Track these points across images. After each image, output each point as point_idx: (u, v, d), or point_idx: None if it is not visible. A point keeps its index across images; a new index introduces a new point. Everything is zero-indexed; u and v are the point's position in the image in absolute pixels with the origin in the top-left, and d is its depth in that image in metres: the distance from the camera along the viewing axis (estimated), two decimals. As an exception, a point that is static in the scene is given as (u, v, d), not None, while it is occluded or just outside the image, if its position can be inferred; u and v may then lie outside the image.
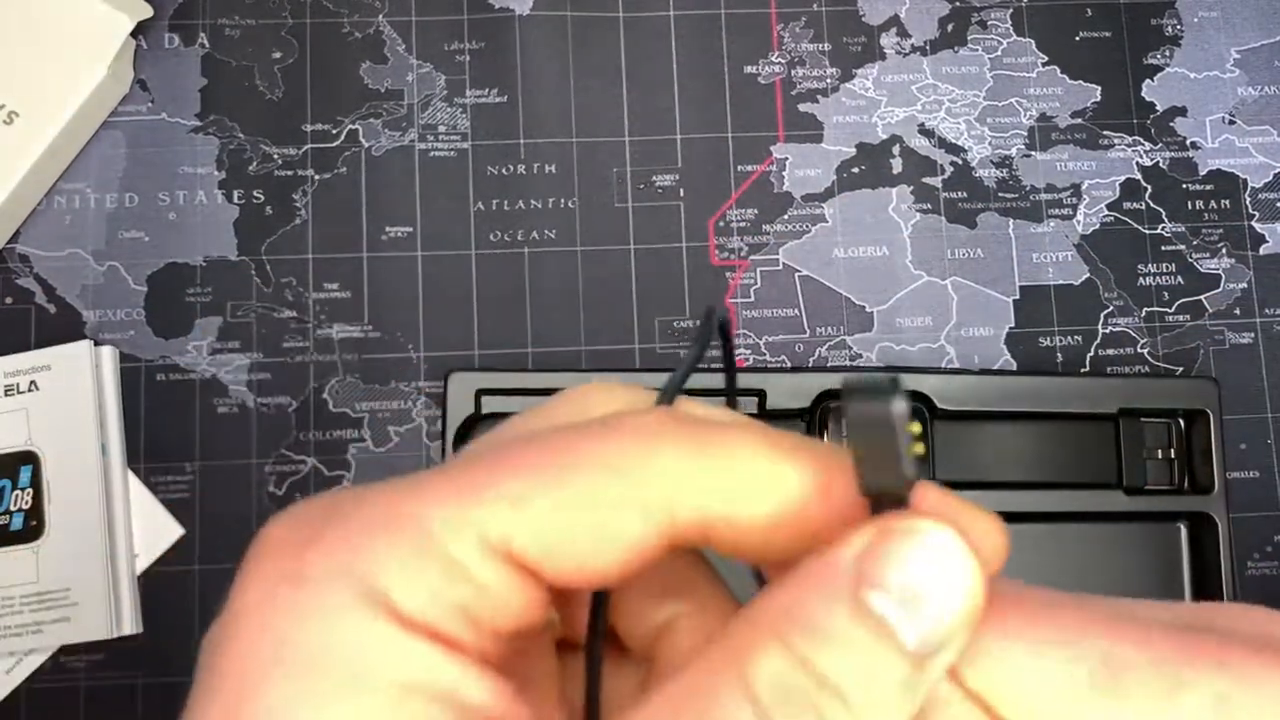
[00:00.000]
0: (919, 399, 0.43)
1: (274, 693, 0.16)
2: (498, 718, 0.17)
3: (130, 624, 0.41)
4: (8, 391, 0.42)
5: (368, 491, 0.18)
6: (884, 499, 0.16)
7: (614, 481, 0.17)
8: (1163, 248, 0.46)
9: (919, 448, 0.16)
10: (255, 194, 0.45)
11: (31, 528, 0.41)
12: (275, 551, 0.17)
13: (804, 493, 0.17)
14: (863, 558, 0.16)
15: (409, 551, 0.17)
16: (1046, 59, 0.47)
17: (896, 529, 0.16)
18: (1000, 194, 0.46)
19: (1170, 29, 0.48)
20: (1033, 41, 0.47)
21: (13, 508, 0.41)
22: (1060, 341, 0.45)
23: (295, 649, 0.16)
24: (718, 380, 0.43)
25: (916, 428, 0.16)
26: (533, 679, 0.19)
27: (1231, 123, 0.47)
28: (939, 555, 0.16)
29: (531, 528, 0.17)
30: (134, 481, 0.43)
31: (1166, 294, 0.46)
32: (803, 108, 0.46)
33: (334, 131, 0.45)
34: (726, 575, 0.20)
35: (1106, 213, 0.46)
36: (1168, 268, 0.46)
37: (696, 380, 0.43)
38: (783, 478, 0.17)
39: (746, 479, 0.17)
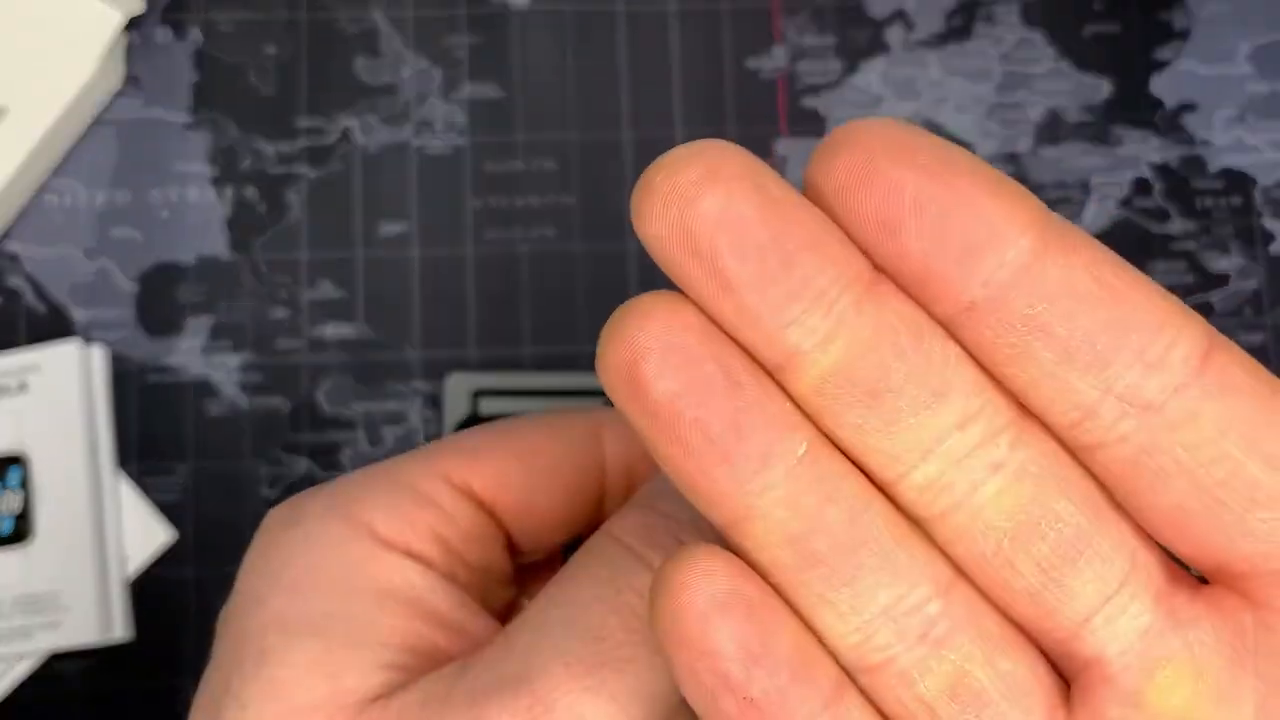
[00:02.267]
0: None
1: (273, 603, 0.19)
2: (460, 625, 0.19)
3: (121, 628, 0.41)
4: (-4, 392, 0.42)
5: (351, 472, 0.22)
6: None
7: (552, 433, 0.21)
8: (1172, 246, 0.45)
9: None
10: (248, 191, 0.44)
11: (20, 531, 0.41)
12: (273, 518, 0.21)
13: None
14: None
15: (386, 492, 0.20)
16: (1055, 53, 0.46)
17: None
18: (1007, 191, 0.46)
19: (1180, 23, 0.47)
20: (1041, 35, 0.47)
21: (1, 510, 0.41)
22: (1069, 341, 0.45)
23: (290, 570, 0.19)
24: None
25: None
26: (498, 616, 0.22)
27: (1242, 119, 0.46)
28: None
29: (487, 472, 0.21)
30: (125, 484, 0.42)
31: (1176, 292, 0.45)
32: (806, 103, 0.46)
33: (328, 127, 0.45)
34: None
35: (1116, 210, 0.46)
36: (1177, 266, 0.45)
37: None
38: None
39: None
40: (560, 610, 0.18)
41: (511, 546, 0.22)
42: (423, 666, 0.19)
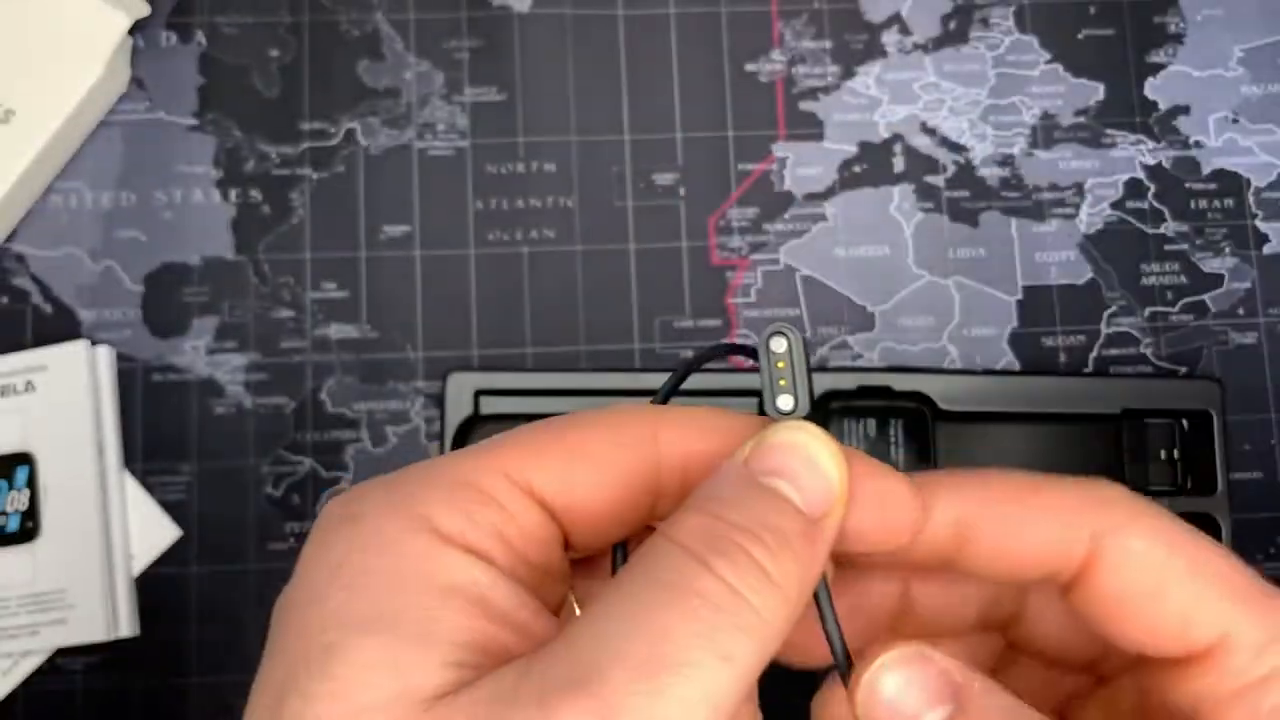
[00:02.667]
0: (921, 400, 0.43)
1: (334, 599, 0.19)
2: (522, 623, 0.19)
3: (127, 626, 0.41)
4: (3, 392, 0.42)
5: (405, 467, 0.21)
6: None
7: (609, 432, 0.21)
8: (1166, 247, 0.46)
9: (784, 381, 0.22)
10: (252, 193, 0.44)
11: (27, 529, 0.41)
12: (332, 510, 0.21)
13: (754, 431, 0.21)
14: (750, 455, 0.20)
15: (446, 487, 0.20)
16: (1049, 57, 0.47)
17: (770, 433, 0.21)
18: (1003, 193, 0.46)
19: (1173, 27, 0.47)
20: (1035, 39, 0.47)
21: (8, 509, 0.41)
22: (1063, 341, 0.45)
23: (350, 568, 0.19)
24: (719, 380, 0.43)
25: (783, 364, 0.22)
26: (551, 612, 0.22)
27: (1235, 121, 0.47)
28: (801, 446, 0.20)
29: (546, 470, 0.21)
30: (130, 482, 0.42)
31: (1170, 294, 0.45)
32: (804, 106, 0.46)
33: (331, 130, 0.45)
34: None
35: (1110, 212, 0.46)
36: (1171, 267, 0.46)
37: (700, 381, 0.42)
38: (741, 425, 0.22)
39: (712, 422, 0.22)
40: (623, 611, 0.18)
41: (565, 544, 0.22)
42: (488, 664, 0.19)
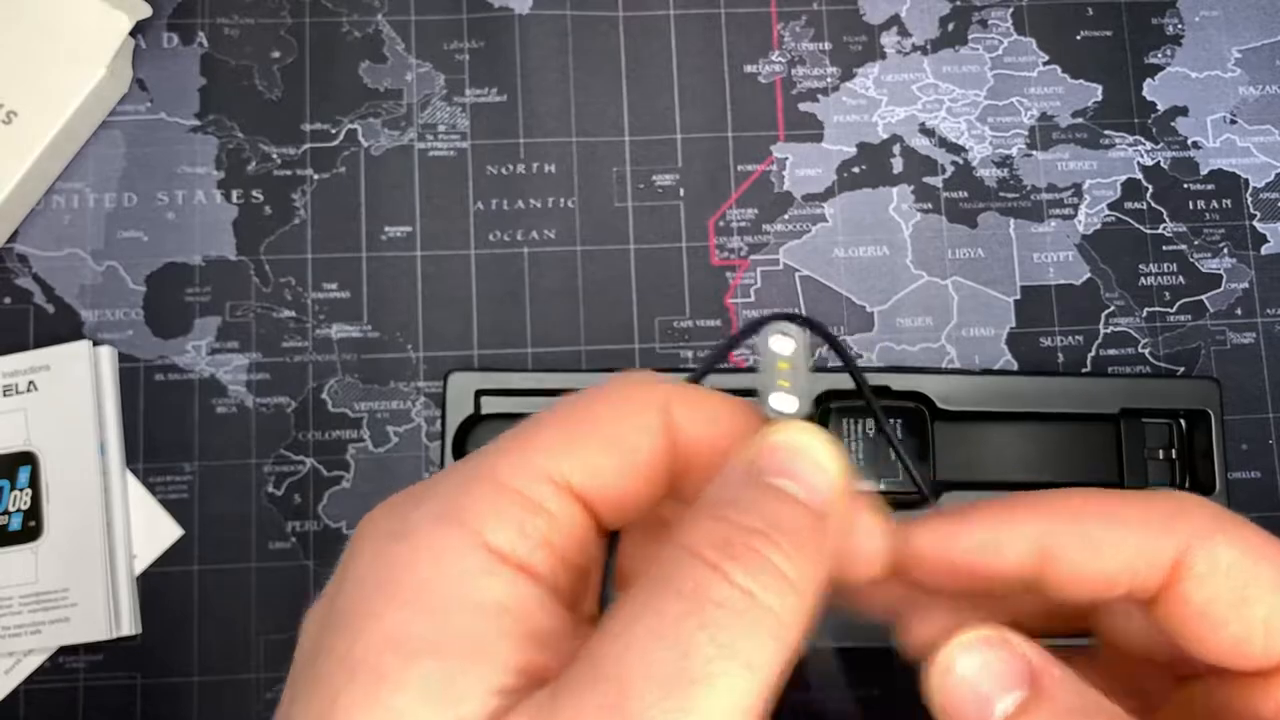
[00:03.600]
0: (919, 399, 0.43)
1: (389, 619, 0.19)
2: (558, 643, 0.19)
3: (129, 625, 0.41)
4: (6, 392, 0.42)
5: (444, 472, 0.21)
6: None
7: (631, 415, 0.21)
8: (1164, 247, 0.46)
9: (786, 382, 0.22)
10: (254, 194, 0.45)
11: (30, 528, 0.41)
12: (378, 522, 0.20)
13: (754, 426, 0.22)
14: (754, 455, 0.21)
15: (491, 497, 0.20)
16: (1047, 58, 0.47)
17: (772, 433, 0.21)
18: (1001, 193, 0.46)
19: (1171, 28, 0.47)
20: (1033, 41, 0.47)
21: (11, 508, 0.41)
22: (1061, 341, 0.45)
23: (405, 585, 0.19)
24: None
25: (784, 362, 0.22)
26: (585, 615, 0.22)
27: (1233, 122, 0.47)
28: (804, 447, 0.21)
29: (583, 466, 0.21)
30: (133, 482, 0.42)
31: (1168, 294, 0.46)
32: (803, 107, 0.46)
33: (333, 131, 0.45)
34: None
35: (1108, 212, 0.46)
36: (1169, 267, 0.46)
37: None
38: (742, 411, 0.22)
39: (717, 410, 0.22)
40: (645, 626, 0.18)
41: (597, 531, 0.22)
42: (526, 688, 0.19)
